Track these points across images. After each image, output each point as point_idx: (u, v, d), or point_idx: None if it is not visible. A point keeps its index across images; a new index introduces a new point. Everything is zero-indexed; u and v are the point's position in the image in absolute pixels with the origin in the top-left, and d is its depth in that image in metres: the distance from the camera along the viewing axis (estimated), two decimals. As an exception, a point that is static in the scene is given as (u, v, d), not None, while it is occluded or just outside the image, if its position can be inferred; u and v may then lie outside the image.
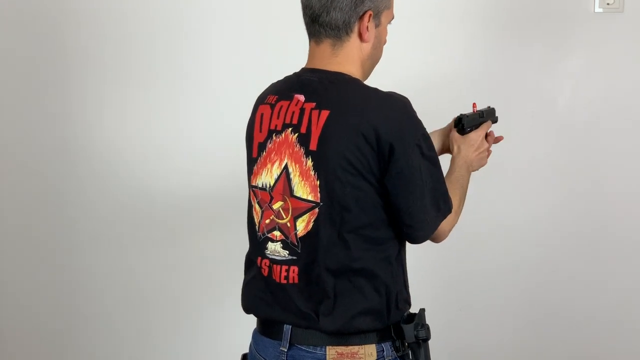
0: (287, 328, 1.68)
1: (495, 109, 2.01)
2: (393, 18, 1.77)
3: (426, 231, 1.70)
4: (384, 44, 1.77)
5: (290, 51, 2.68)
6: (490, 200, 2.77)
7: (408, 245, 1.75)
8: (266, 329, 1.74)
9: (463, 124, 1.92)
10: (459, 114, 1.94)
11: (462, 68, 2.72)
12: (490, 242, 2.81)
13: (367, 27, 1.68)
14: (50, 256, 2.95)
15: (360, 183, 1.61)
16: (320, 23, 1.67)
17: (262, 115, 1.73)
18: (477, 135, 1.93)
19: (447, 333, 2.83)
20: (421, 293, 2.76)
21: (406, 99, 1.67)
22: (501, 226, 2.79)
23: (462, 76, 2.72)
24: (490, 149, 2.00)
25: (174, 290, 2.94)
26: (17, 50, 2.84)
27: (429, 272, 2.79)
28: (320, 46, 1.70)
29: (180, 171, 2.87)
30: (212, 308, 2.94)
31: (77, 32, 2.82)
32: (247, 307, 1.78)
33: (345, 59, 1.69)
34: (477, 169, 1.95)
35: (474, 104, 1.98)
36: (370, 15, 1.67)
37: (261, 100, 1.76)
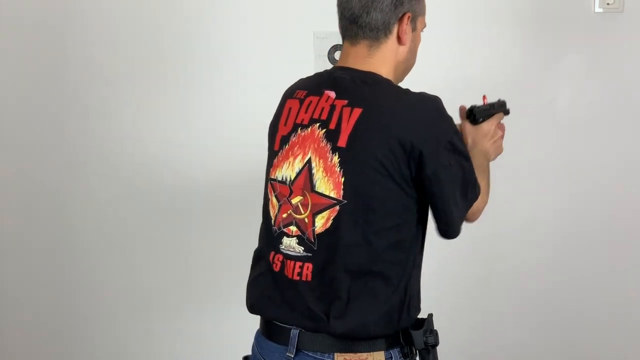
0: (294, 333, 1.65)
1: (507, 102, 1.98)
2: (426, 26, 1.78)
3: (458, 225, 1.71)
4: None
5: (299, 52, 2.70)
6: (489, 200, 2.77)
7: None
8: (272, 333, 1.71)
9: (475, 115, 1.91)
10: (469, 106, 1.92)
11: (462, 68, 2.72)
12: (490, 242, 2.80)
13: (406, 30, 1.69)
14: (51, 256, 2.95)
15: (388, 184, 1.59)
16: (360, 24, 1.67)
17: (290, 109, 1.72)
18: (489, 125, 1.90)
19: (449, 334, 2.82)
20: (422, 293, 2.77)
21: (437, 98, 1.66)
22: (501, 226, 2.79)
23: (462, 76, 2.72)
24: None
25: (175, 290, 2.93)
26: (20, 50, 2.84)
27: (430, 273, 2.78)
28: (356, 47, 1.70)
29: (184, 170, 2.86)
30: (214, 308, 2.93)
31: (82, 33, 2.82)
32: (253, 305, 1.74)
33: (380, 60, 1.69)
34: (495, 158, 1.94)
35: (484, 96, 1.96)
36: (409, 17, 1.68)
37: (289, 95, 1.76)
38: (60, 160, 2.89)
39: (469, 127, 1.89)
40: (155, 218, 2.90)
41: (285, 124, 1.71)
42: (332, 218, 1.61)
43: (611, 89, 2.70)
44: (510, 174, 2.75)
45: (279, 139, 1.71)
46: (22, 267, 2.96)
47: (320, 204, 1.62)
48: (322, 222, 1.62)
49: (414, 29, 1.72)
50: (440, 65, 2.71)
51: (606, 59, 2.69)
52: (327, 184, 1.61)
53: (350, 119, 1.61)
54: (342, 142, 1.61)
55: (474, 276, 2.84)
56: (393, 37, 1.68)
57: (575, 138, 2.74)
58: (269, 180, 1.73)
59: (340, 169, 1.60)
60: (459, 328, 2.81)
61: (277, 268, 1.69)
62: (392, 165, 1.58)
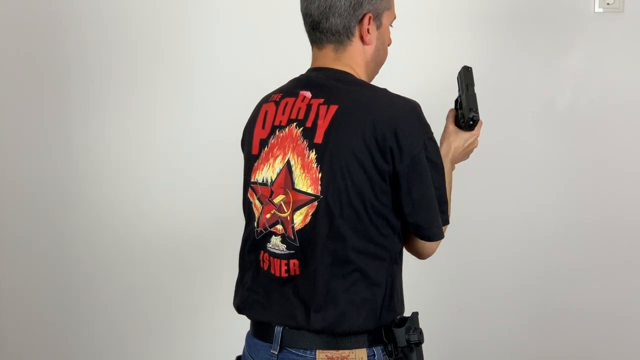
0: (278, 330, 1.67)
1: (472, 68, 1.90)
2: (395, 18, 1.78)
3: (437, 229, 1.67)
4: (389, 44, 1.78)
5: (291, 57, 2.70)
6: (490, 199, 2.78)
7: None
8: (258, 331, 1.73)
9: (473, 122, 1.83)
10: (472, 114, 1.84)
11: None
12: (490, 242, 2.81)
13: (368, 30, 1.70)
14: (50, 256, 2.95)
15: (363, 178, 1.60)
16: (321, 30, 1.69)
17: (266, 112, 1.73)
18: (470, 135, 1.86)
19: (447, 333, 2.83)
20: (421, 293, 2.77)
21: (415, 102, 1.67)
22: (501, 226, 2.79)
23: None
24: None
25: (175, 290, 2.94)
26: (19, 51, 2.85)
27: (429, 271, 2.78)
28: (323, 51, 1.72)
29: (184, 170, 2.87)
30: (208, 308, 2.93)
31: (79, 34, 2.82)
32: (240, 307, 1.77)
33: (349, 61, 1.71)
34: (458, 162, 1.89)
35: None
36: (370, 17, 1.69)
37: (265, 100, 1.77)
38: (61, 162, 2.90)
39: (454, 132, 1.85)
40: (156, 218, 2.90)
41: (263, 128, 1.72)
42: (310, 214, 1.62)
43: (611, 89, 2.70)
44: (510, 173, 2.75)
45: (257, 142, 1.72)
46: (22, 267, 2.97)
47: (300, 200, 1.63)
48: (300, 218, 1.63)
49: (379, 27, 1.72)
50: (440, 66, 2.72)
51: (606, 59, 2.69)
52: (305, 181, 1.63)
53: (326, 116, 1.63)
54: (318, 138, 1.62)
55: (472, 274, 2.84)
56: (356, 39, 1.70)
57: (575, 138, 2.74)
58: (250, 184, 1.74)
59: (317, 164, 1.62)
60: (453, 325, 2.82)
61: (265, 266, 1.70)
62: (366, 159, 1.60)
